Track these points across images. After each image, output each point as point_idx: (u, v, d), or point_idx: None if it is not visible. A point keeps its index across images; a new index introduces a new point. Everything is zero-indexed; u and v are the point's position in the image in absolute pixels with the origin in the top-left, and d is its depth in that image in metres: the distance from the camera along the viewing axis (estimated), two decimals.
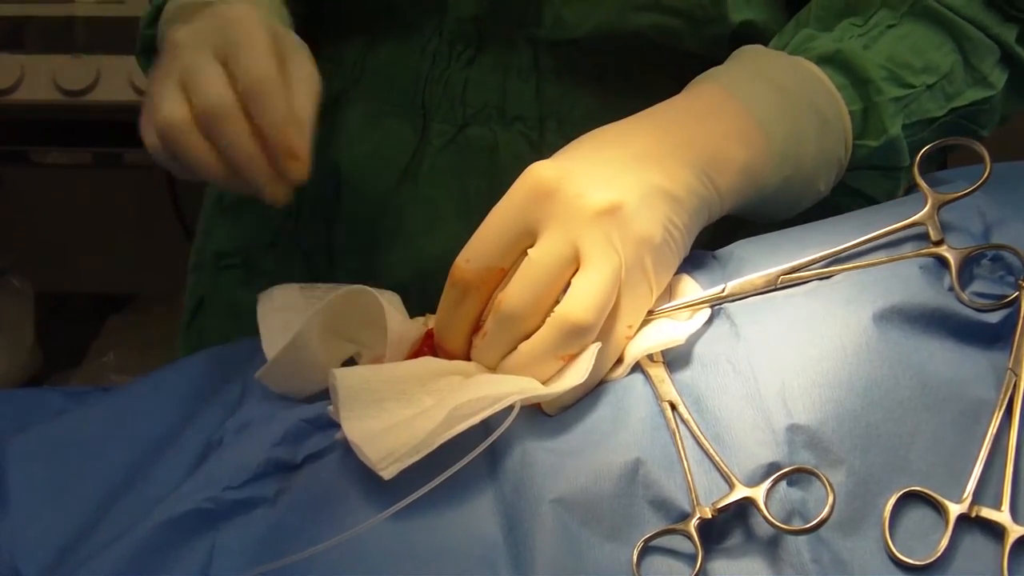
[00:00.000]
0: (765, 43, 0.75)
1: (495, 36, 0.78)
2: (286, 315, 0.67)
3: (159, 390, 0.69)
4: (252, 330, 0.70)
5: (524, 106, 0.78)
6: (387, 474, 0.53)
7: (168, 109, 0.65)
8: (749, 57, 0.71)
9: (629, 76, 0.77)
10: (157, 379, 0.70)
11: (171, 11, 0.74)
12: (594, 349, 0.58)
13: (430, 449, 0.54)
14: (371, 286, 0.65)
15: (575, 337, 0.58)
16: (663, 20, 0.74)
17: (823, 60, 0.70)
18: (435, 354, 0.63)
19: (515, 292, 0.59)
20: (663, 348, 0.60)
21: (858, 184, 0.72)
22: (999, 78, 0.74)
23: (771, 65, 0.70)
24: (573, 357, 0.58)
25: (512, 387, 0.57)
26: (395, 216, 0.81)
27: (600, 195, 0.59)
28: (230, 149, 0.64)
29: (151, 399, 0.68)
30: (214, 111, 0.64)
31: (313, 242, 0.85)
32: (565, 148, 0.64)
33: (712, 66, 0.73)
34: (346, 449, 0.58)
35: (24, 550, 0.58)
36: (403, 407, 0.58)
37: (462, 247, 0.67)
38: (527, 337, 0.59)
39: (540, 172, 0.60)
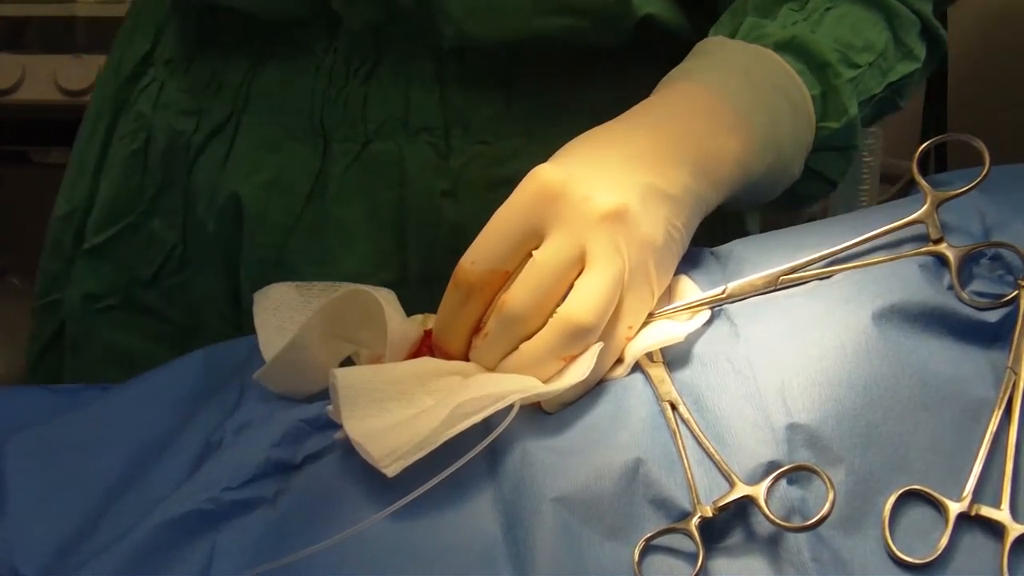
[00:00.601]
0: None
1: (393, 48, 0.76)
2: (283, 314, 0.67)
3: (156, 390, 0.68)
4: (133, 372, 0.69)
5: (428, 116, 0.77)
6: (390, 472, 0.53)
7: None
8: (715, 50, 0.72)
9: (532, 76, 0.77)
10: (154, 379, 0.70)
11: None
12: (596, 349, 0.58)
13: (433, 447, 0.54)
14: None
15: (577, 338, 0.58)
16: (568, 22, 0.74)
17: (780, 47, 0.71)
18: (433, 354, 0.62)
19: (519, 293, 0.59)
20: (663, 346, 0.60)
21: (818, 166, 0.73)
22: (922, 51, 0.77)
23: (739, 57, 0.71)
24: (574, 358, 0.58)
25: (513, 386, 0.57)
26: (305, 240, 0.79)
27: (606, 198, 0.59)
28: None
29: (148, 399, 0.68)
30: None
31: (212, 280, 0.83)
32: (562, 151, 0.64)
33: (613, 58, 0.75)
34: (345, 449, 0.58)
35: (22, 550, 0.58)
36: (403, 407, 0.57)
37: (378, 263, 0.68)
38: (528, 338, 0.59)
39: (545, 175, 0.60)
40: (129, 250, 0.85)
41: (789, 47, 0.71)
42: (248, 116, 0.80)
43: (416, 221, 0.78)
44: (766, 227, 0.79)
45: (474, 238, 0.77)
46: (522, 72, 0.77)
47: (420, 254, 0.78)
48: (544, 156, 0.77)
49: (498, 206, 0.77)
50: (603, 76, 0.78)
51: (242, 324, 0.82)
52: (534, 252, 0.59)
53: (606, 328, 0.59)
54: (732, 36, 0.73)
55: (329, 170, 0.78)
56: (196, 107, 0.81)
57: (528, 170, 0.76)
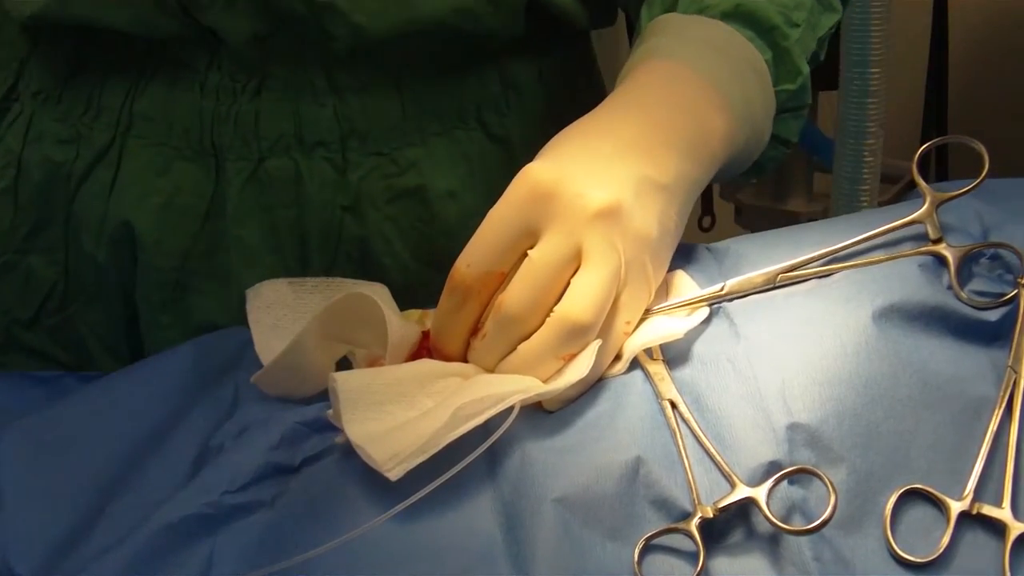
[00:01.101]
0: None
1: (281, 60, 0.74)
2: (276, 312, 0.67)
3: (146, 384, 0.68)
4: None
5: (323, 130, 0.75)
6: (393, 475, 0.53)
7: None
8: (675, 27, 0.71)
9: (425, 80, 0.76)
10: (143, 373, 0.69)
11: None
12: (595, 347, 0.58)
13: (436, 450, 0.53)
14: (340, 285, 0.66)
15: (575, 337, 0.58)
16: (460, 4, 0.72)
17: (727, 16, 0.71)
18: (431, 355, 0.62)
19: (516, 294, 0.59)
20: (662, 342, 0.60)
21: (776, 129, 0.74)
22: (839, 2, 0.78)
23: (702, 31, 0.71)
24: (573, 356, 0.58)
25: (515, 386, 0.57)
26: (203, 261, 0.77)
27: (600, 194, 0.59)
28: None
29: (139, 394, 0.67)
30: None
31: (103, 313, 0.80)
32: (552, 146, 0.63)
33: (501, 56, 0.75)
34: (343, 452, 0.58)
35: (17, 548, 0.58)
36: (404, 409, 0.57)
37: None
38: (526, 338, 0.59)
39: (537, 174, 0.60)
40: (5, 291, 0.81)
41: (736, 15, 0.71)
42: (132, 139, 0.76)
43: (317, 237, 0.76)
44: None
45: (379, 251, 0.76)
46: (416, 77, 0.76)
47: (323, 270, 0.77)
48: (441, 165, 0.76)
49: (401, 219, 0.76)
50: (492, 76, 0.78)
51: (143, 353, 0.80)
52: (529, 252, 0.59)
53: (604, 324, 0.59)
54: (671, 11, 0.73)
55: (224, 190, 0.75)
56: (74, 135, 0.77)
57: (427, 182, 0.75)
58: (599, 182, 0.59)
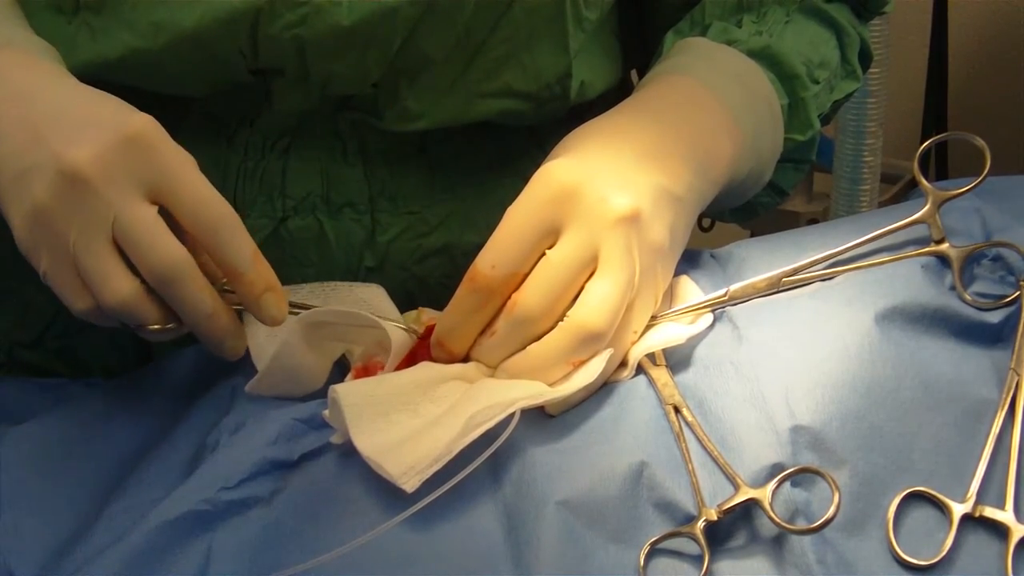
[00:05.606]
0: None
1: (315, 124, 0.72)
2: None
3: (148, 389, 0.68)
4: None
5: (352, 192, 0.72)
6: (409, 487, 0.53)
7: (116, 288, 0.58)
8: (704, 50, 0.71)
9: (452, 144, 0.74)
10: (146, 377, 0.69)
11: None
12: (606, 354, 0.58)
13: (448, 458, 0.54)
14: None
15: (589, 344, 0.58)
16: (511, 105, 0.71)
17: (753, 54, 0.71)
18: (430, 352, 0.62)
19: (532, 296, 0.59)
20: (663, 347, 0.60)
21: (775, 176, 0.74)
22: (861, 71, 0.78)
23: (727, 59, 0.71)
24: (583, 362, 0.58)
25: (522, 392, 0.57)
26: None
27: (622, 200, 0.59)
28: (192, 309, 0.59)
29: (141, 398, 0.67)
30: (172, 275, 0.58)
31: (109, 347, 0.76)
32: (571, 144, 0.63)
33: (530, 131, 0.74)
34: (342, 451, 0.58)
35: (18, 550, 0.58)
36: (409, 417, 0.57)
37: None
38: (537, 339, 0.59)
39: (560, 173, 0.60)
40: (5, 318, 0.78)
41: (762, 55, 0.71)
42: None
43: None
44: None
45: (400, 302, 0.70)
46: (443, 141, 0.73)
47: None
48: (473, 218, 0.74)
49: (427, 277, 0.73)
50: (525, 138, 0.76)
51: None
52: (548, 252, 0.59)
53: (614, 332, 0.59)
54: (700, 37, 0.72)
55: None
56: None
57: (456, 239, 0.73)
58: (621, 187, 0.59)
